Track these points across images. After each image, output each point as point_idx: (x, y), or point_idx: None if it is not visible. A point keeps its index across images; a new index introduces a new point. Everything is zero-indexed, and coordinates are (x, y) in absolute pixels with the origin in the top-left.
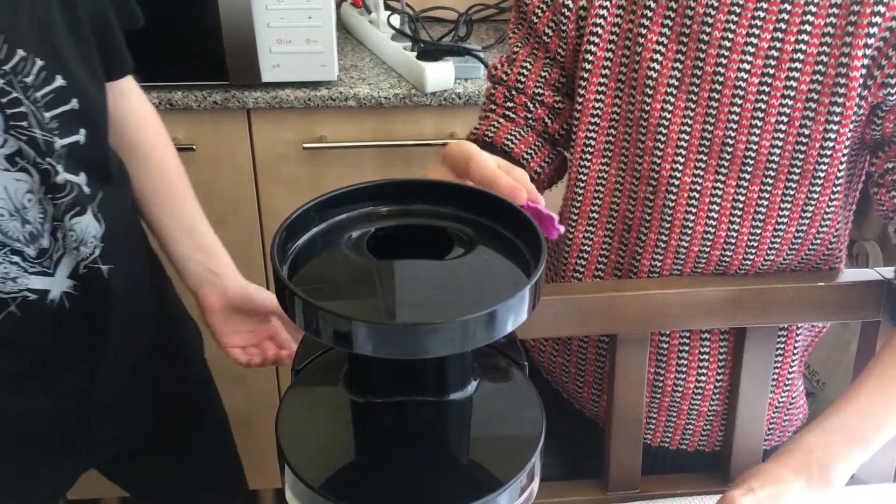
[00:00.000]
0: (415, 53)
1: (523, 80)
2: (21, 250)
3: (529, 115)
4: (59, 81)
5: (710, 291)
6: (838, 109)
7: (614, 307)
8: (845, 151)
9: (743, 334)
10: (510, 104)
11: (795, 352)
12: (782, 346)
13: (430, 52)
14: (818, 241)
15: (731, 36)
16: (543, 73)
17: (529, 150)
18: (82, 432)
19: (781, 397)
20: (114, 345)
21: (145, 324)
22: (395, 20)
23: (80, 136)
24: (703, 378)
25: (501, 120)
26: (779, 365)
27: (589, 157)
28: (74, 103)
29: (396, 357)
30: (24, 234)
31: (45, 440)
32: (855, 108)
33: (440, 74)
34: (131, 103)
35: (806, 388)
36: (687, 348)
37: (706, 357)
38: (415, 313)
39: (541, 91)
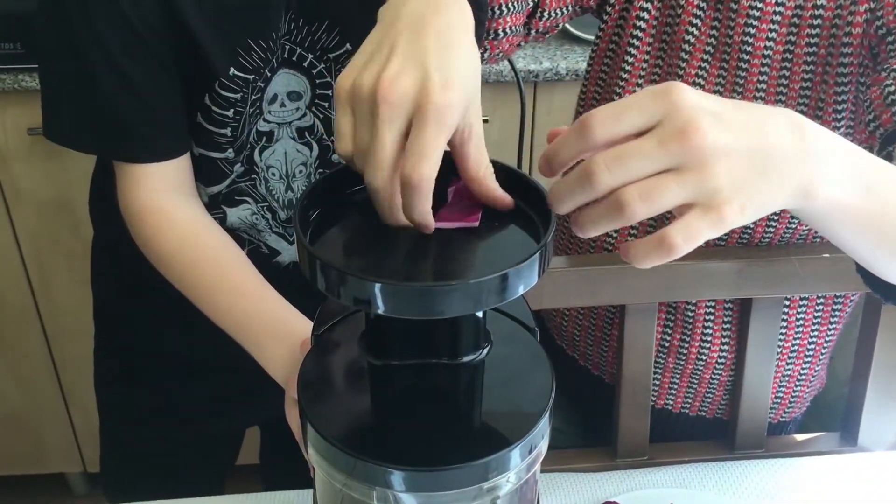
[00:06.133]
0: None
1: None
2: (276, 210)
3: None
4: None
5: (717, 264)
6: (845, 70)
7: (623, 278)
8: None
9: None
10: None
11: (816, 322)
12: (803, 317)
13: None
14: None
15: (759, 5)
16: None
17: (510, 6)
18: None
19: (803, 369)
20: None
21: None
22: None
23: None
24: (725, 349)
25: None
26: (802, 337)
27: None
28: None
29: (413, 317)
30: (285, 198)
31: (241, 380)
32: (858, 66)
33: None
34: None
35: None
36: (712, 318)
37: (728, 328)
38: (430, 276)
39: None
